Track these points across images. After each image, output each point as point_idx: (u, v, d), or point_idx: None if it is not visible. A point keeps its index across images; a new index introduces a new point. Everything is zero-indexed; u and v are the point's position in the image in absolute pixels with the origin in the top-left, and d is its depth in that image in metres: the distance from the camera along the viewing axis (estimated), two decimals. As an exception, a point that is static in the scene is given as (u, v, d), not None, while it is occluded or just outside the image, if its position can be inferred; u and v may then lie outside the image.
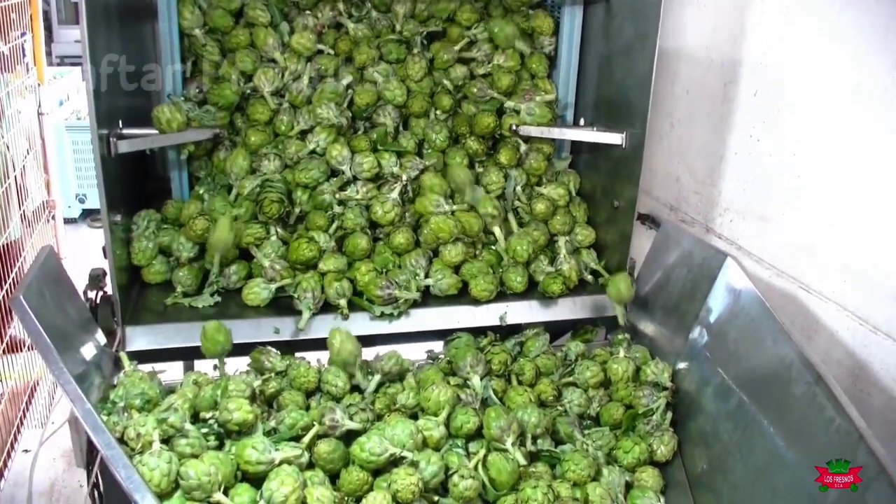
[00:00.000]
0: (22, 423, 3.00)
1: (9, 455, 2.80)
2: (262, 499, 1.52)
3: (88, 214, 5.64)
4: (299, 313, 2.06)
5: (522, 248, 2.23)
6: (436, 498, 1.67)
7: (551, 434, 1.92)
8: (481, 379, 1.99)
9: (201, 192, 2.26)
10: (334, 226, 2.22)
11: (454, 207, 2.22)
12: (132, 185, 2.16)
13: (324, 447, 1.66)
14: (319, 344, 2.07)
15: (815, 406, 1.52)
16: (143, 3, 2.25)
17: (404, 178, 2.24)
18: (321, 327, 2.07)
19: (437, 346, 2.25)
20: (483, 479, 1.71)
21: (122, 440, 1.59)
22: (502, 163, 2.37)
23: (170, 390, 1.84)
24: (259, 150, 2.26)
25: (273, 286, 2.09)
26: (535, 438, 1.85)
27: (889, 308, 1.77)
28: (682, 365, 2.01)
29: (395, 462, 1.67)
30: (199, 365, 2.14)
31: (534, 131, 2.33)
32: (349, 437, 1.75)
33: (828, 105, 1.91)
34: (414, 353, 2.15)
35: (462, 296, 2.20)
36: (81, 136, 5.20)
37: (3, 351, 2.85)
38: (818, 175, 1.95)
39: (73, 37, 8.11)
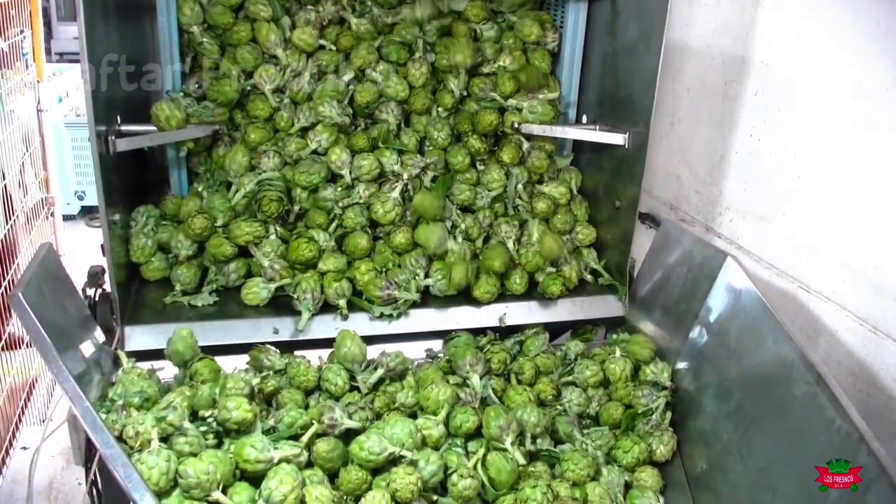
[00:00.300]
0: (20, 421, 2.99)
1: (7, 452, 2.80)
2: (261, 498, 1.51)
3: (88, 211, 5.63)
4: (299, 313, 2.06)
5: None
6: (435, 497, 1.66)
7: (550, 433, 1.92)
8: (480, 378, 1.99)
9: (200, 189, 2.25)
10: (334, 224, 2.22)
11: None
12: (130, 181, 2.15)
13: (323, 446, 1.66)
14: (318, 344, 2.07)
15: (815, 406, 1.52)
16: (141, -1, 2.23)
17: (405, 176, 2.23)
18: (320, 327, 2.07)
19: (437, 345, 2.24)
20: (482, 479, 1.70)
21: (120, 438, 1.58)
22: (504, 161, 2.36)
23: (169, 388, 1.84)
24: (258, 147, 2.24)
25: (272, 286, 2.09)
26: (534, 438, 1.85)
27: (889, 308, 1.77)
28: (681, 364, 2.01)
29: (394, 461, 1.66)
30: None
31: (536, 129, 2.31)
32: (348, 436, 1.75)
33: (828, 104, 1.91)
34: (413, 352, 2.15)
35: (461, 296, 2.20)
36: (80, 132, 5.18)
37: (2, 348, 2.84)
38: (818, 174, 1.95)
39: (72, 33, 8.09)
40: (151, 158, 2.33)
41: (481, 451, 1.76)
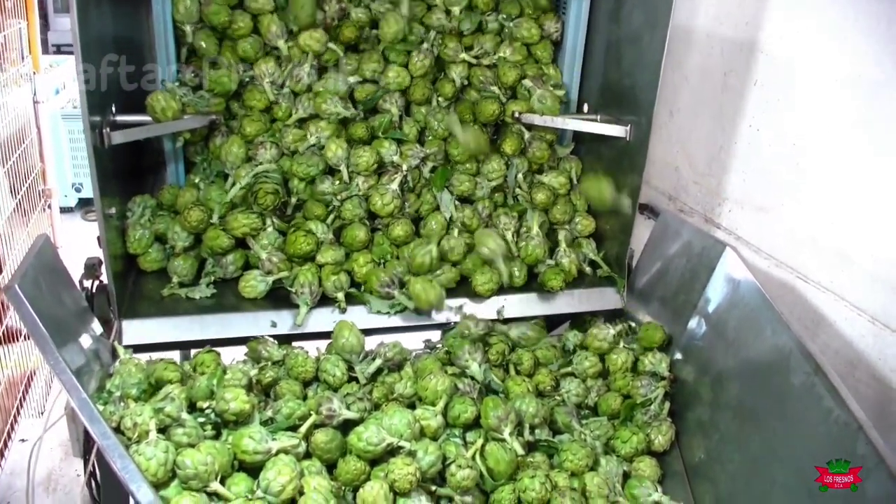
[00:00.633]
0: (19, 413, 2.99)
1: (6, 445, 2.80)
2: (259, 488, 1.51)
3: (85, 203, 5.61)
4: (297, 306, 2.05)
5: (536, 252, 2.24)
6: (433, 487, 1.66)
7: (549, 424, 1.92)
8: (480, 367, 1.99)
9: (197, 180, 2.24)
10: (332, 216, 2.21)
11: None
12: (126, 171, 2.12)
13: (321, 437, 1.66)
14: (317, 336, 2.07)
15: (813, 396, 1.52)
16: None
17: (405, 167, 2.21)
18: (319, 321, 2.06)
19: (435, 335, 2.24)
20: (481, 469, 1.70)
21: (118, 430, 1.58)
22: (506, 152, 2.34)
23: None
24: (255, 139, 2.22)
25: (270, 279, 2.08)
26: (532, 428, 1.85)
27: (887, 298, 1.77)
28: (680, 355, 2.01)
29: (392, 452, 1.66)
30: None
31: (537, 120, 2.29)
32: (346, 426, 1.75)
33: (828, 95, 1.90)
34: (412, 342, 2.15)
35: (461, 288, 2.19)
36: (77, 124, 5.15)
37: (0, 340, 2.84)
38: (818, 165, 1.95)
39: (69, 25, 8.04)
40: (148, 145, 2.29)
41: (480, 442, 1.76)
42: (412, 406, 1.85)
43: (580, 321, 2.35)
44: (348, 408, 1.78)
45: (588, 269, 2.33)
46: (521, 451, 1.77)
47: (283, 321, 2.05)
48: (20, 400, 3.04)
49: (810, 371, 1.55)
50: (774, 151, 2.07)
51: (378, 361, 1.97)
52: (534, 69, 2.37)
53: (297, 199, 2.22)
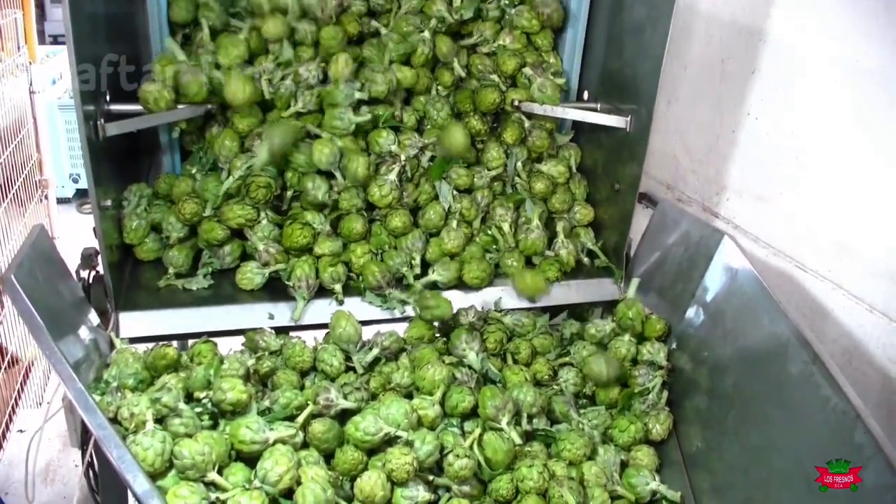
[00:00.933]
0: (17, 404, 2.99)
1: (4, 436, 2.80)
2: (257, 478, 1.51)
3: (82, 194, 5.60)
4: (294, 297, 2.05)
5: (536, 244, 2.23)
6: (431, 477, 1.66)
7: (547, 413, 1.92)
8: (477, 356, 1.98)
9: (193, 170, 2.21)
10: (329, 207, 2.19)
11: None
12: (121, 160, 2.09)
13: (318, 427, 1.65)
14: (314, 327, 2.06)
15: (811, 385, 1.52)
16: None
17: (403, 157, 2.20)
18: (316, 312, 2.06)
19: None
20: (478, 459, 1.70)
21: (115, 420, 1.58)
22: (507, 141, 2.32)
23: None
24: (248, 133, 2.17)
25: (266, 271, 2.07)
26: (530, 418, 1.85)
27: (885, 287, 1.77)
28: (677, 344, 2.01)
29: (389, 441, 1.66)
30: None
31: (537, 108, 2.27)
32: (344, 416, 1.74)
33: (826, 83, 1.90)
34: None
35: (458, 280, 2.19)
36: (74, 115, 5.13)
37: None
38: (817, 154, 1.94)
39: (66, 16, 8.00)
40: (143, 133, 2.25)
41: (477, 431, 1.75)
42: (409, 396, 1.85)
43: (578, 309, 2.35)
44: (345, 398, 1.77)
45: (586, 260, 2.32)
46: (518, 441, 1.77)
47: (281, 313, 2.04)
48: (18, 391, 3.04)
49: (808, 360, 1.55)
50: (773, 140, 2.06)
51: (375, 350, 1.97)
52: (533, 56, 2.35)
53: (293, 190, 2.19)
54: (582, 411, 1.96)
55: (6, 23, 3.35)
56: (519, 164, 2.35)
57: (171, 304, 2.00)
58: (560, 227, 2.30)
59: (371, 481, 1.55)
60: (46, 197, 3.78)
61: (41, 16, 8.09)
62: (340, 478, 1.63)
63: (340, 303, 2.08)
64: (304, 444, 1.67)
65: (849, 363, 1.86)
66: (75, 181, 5.57)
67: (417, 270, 2.16)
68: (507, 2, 2.36)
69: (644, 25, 2.05)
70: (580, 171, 2.43)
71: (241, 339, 2.00)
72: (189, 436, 1.54)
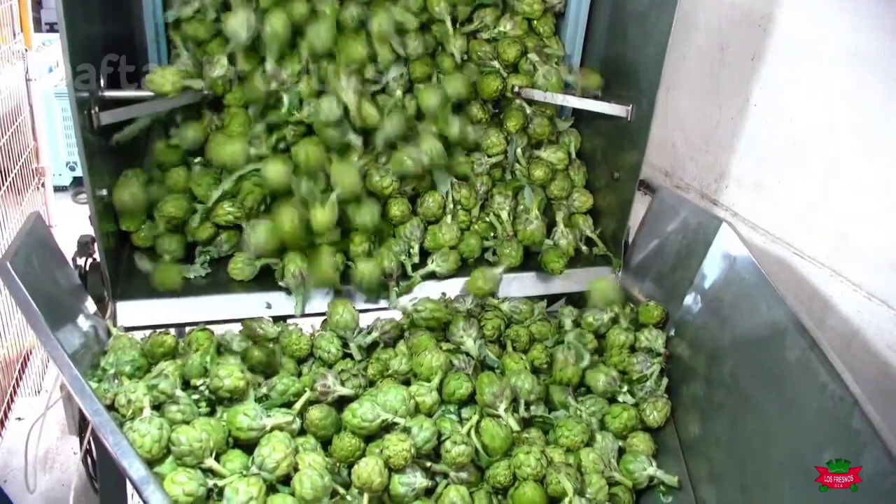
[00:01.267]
0: (16, 392, 2.99)
1: (2, 424, 2.80)
2: (254, 465, 1.52)
3: (79, 182, 5.58)
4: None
5: (536, 235, 2.22)
6: (428, 464, 1.66)
7: (545, 401, 1.91)
8: (475, 342, 1.98)
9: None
10: None
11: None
12: (117, 147, 2.09)
13: (316, 413, 1.66)
14: (312, 315, 2.06)
15: (809, 372, 1.52)
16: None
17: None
18: (314, 302, 2.05)
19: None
20: (476, 445, 1.70)
21: (113, 407, 1.58)
22: (510, 129, 2.31)
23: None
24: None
25: (258, 263, 2.05)
26: (528, 405, 1.85)
27: (884, 274, 1.77)
28: (675, 331, 2.00)
29: (387, 428, 1.66)
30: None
31: (537, 95, 2.26)
32: (341, 403, 1.75)
33: (826, 71, 1.89)
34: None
35: (457, 269, 2.18)
36: (71, 103, 5.11)
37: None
38: (815, 141, 1.93)
39: (61, 2, 7.95)
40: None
41: (475, 418, 1.75)
42: (407, 383, 1.85)
43: (576, 296, 2.34)
44: (343, 384, 1.77)
45: (584, 248, 2.31)
46: (516, 428, 1.77)
47: (278, 302, 2.04)
48: (17, 379, 3.04)
49: (806, 346, 1.54)
50: (772, 127, 2.05)
51: (375, 334, 1.97)
52: (534, 42, 2.33)
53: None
54: (580, 398, 1.95)
55: (2, 10, 3.32)
56: (518, 150, 2.33)
57: (168, 294, 1.99)
58: (559, 217, 2.29)
59: (368, 468, 1.55)
60: (43, 185, 3.76)
61: (37, 3, 8.02)
62: (338, 464, 1.63)
63: (339, 293, 2.07)
64: (302, 431, 1.67)
65: (847, 350, 1.86)
66: (72, 169, 5.55)
67: (416, 259, 2.16)
68: None
69: (648, 13, 2.03)
70: (579, 157, 2.41)
71: (239, 326, 2.00)
72: (186, 422, 1.55)
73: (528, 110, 2.33)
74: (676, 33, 2.20)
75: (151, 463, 1.46)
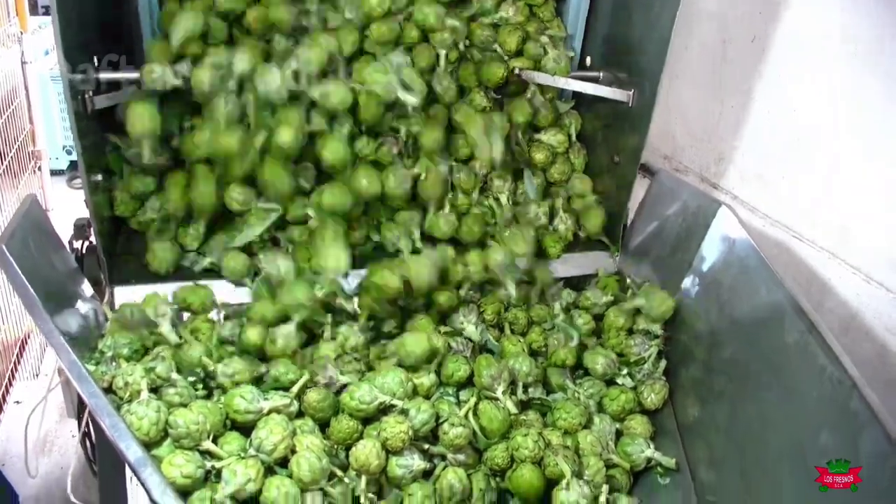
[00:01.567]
0: (14, 376, 2.99)
1: (1, 408, 2.81)
2: (252, 447, 1.52)
3: (76, 166, 5.55)
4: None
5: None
6: (426, 446, 1.67)
7: (543, 383, 1.91)
8: (476, 328, 1.98)
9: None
10: None
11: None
12: (113, 129, 2.05)
13: (313, 396, 1.65)
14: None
15: (807, 354, 1.51)
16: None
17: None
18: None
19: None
20: (474, 427, 1.71)
21: (110, 390, 1.58)
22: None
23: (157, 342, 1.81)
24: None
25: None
26: (526, 387, 1.85)
27: (884, 258, 1.76)
28: (674, 314, 2.00)
29: (384, 410, 1.66)
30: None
31: (538, 77, 2.23)
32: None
33: (827, 61, 1.88)
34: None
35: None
36: (68, 86, 5.08)
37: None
38: (816, 128, 1.93)
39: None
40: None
41: (473, 400, 1.76)
42: (407, 366, 1.84)
43: (574, 280, 2.33)
44: (342, 374, 1.76)
45: (582, 233, 2.30)
46: (514, 410, 1.77)
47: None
48: (15, 363, 3.04)
49: (804, 329, 1.54)
50: (772, 116, 2.05)
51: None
52: (536, 25, 2.29)
53: None
54: (578, 381, 1.95)
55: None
56: (519, 133, 2.31)
57: (165, 278, 1.98)
58: (559, 201, 2.28)
59: (366, 450, 1.55)
60: (40, 168, 3.75)
61: (33, -14, 7.97)
62: (335, 447, 1.63)
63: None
64: (300, 414, 1.67)
65: (845, 333, 1.85)
66: (69, 153, 5.52)
67: (419, 244, 2.13)
68: None
69: (652, 1, 1.99)
70: (579, 139, 2.39)
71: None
72: (184, 405, 1.55)
73: (529, 94, 2.28)
74: (679, 22, 2.19)
75: (149, 445, 1.47)
